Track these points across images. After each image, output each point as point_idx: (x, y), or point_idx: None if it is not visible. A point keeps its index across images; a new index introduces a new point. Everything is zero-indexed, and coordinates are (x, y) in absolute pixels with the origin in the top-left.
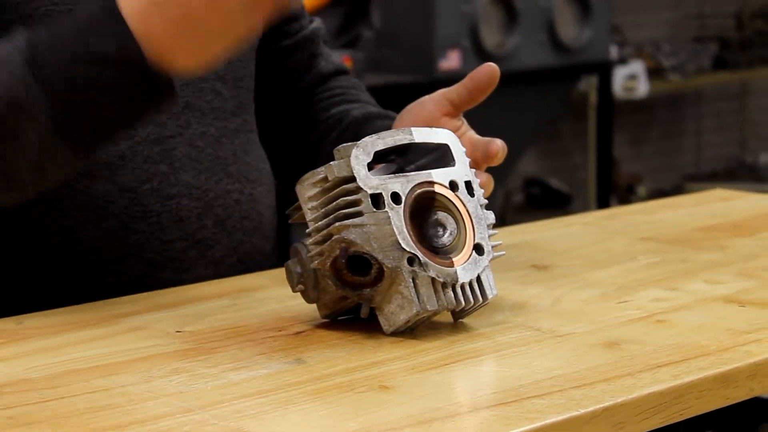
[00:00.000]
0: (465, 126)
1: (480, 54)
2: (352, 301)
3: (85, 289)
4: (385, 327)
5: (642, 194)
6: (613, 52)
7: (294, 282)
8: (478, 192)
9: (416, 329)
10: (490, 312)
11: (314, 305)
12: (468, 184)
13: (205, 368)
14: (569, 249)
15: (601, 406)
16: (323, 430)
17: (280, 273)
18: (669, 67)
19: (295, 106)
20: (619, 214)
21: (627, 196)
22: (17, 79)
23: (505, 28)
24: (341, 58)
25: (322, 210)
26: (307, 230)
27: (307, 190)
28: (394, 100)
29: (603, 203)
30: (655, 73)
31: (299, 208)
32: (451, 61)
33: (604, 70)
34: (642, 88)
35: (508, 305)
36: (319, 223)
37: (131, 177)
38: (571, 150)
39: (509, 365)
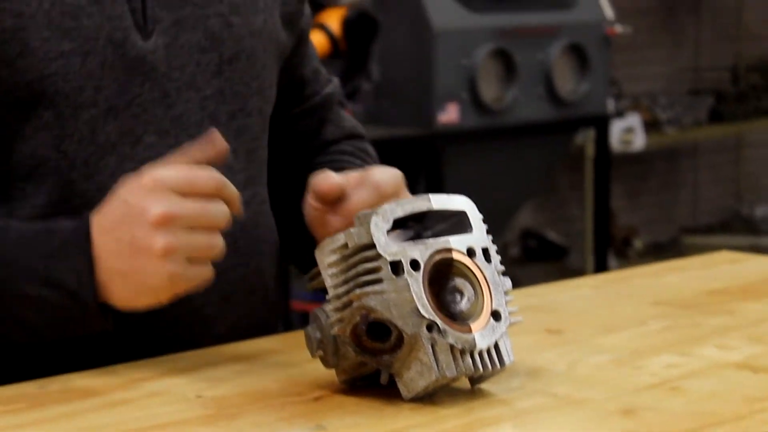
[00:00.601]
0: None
1: (479, 107)
2: (371, 367)
3: (96, 356)
4: (404, 393)
5: (638, 247)
6: (610, 105)
7: (313, 348)
8: (495, 258)
9: (434, 395)
10: (507, 377)
11: (332, 369)
12: (485, 251)
13: None
14: (580, 312)
15: None
16: None
17: (293, 336)
18: (665, 119)
19: (298, 171)
20: (627, 277)
21: (624, 249)
22: None
23: (503, 81)
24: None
25: (342, 277)
26: (327, 296)
27: (327, 256)
28: (394, 152)
29: (600, 256)
30: (651, 125)
31: (318, 274)
32: (450, 114)
33: (601, 123)
34: (639, 141)
35: (524, 370)
36: (339, 289)
37: None
38: (567, 202)
39: None
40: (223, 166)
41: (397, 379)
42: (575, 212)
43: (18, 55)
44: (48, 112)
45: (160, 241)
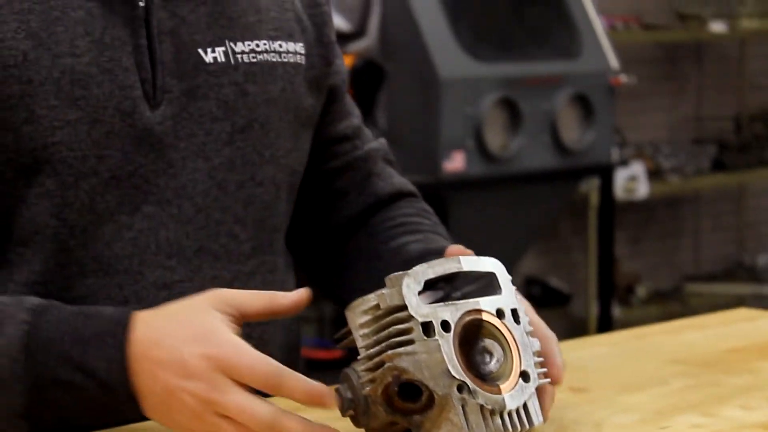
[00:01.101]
0: None
1: (484, 155)
2: (401, 427)
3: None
4: None
5: (641, 294)
6: (614, 153)
7: (344, 407)
8: (524, 319)
9: None
10: None
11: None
12: (514, 312)
13: None
14: (601, 370)
15: None
16: None
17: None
18: (668, 168)
19: (348, 230)
20: (645, 334)
21: (627, 297)
22: (8, 354)
23: (509, 130)
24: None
25: (374, 337)
26: (359, 357)
27: (359, 317)
28: None
29: (604, 303)
30: (654, 173)
31: (347, 333)
32: (455, 162)
33: (606, 172)
34: (642, 190)
35: (551, 430)
36: (371, 350)
37: None
38: (570, 248)
39: None
40: (228, 234)
41: None
42: (578, 259)
43: (24, 122)
44: (50, 180)
45: (193, 405)
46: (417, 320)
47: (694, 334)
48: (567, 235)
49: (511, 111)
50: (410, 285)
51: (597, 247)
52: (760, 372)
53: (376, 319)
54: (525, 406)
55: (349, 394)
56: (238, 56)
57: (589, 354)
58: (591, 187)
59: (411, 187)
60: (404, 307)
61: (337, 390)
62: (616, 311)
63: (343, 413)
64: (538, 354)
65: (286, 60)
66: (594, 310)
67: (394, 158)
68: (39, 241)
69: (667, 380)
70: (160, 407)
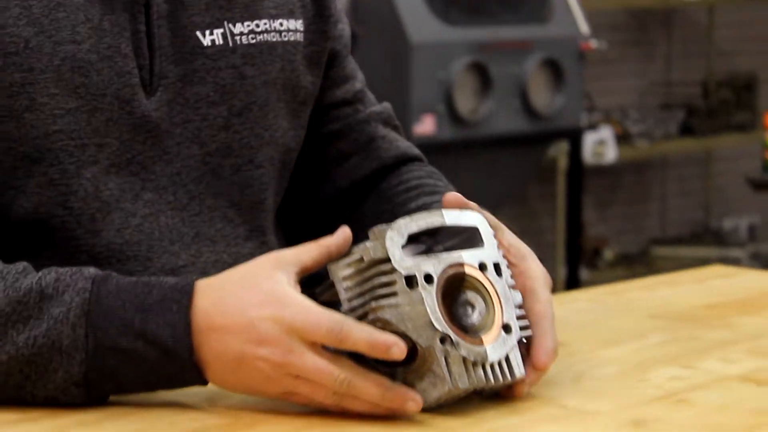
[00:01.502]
0: None
1: (455, 119)
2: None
3: None
4: None
5: (608, 258)
6: (583, 118)
7: None
8: (506, 273)
9: (445, 406)
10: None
11: None
12: (496, 266)
13: None
14: (581, 326)
15: None
16: None
17: None
18: (636, 133)
19: (353, 195)
20: (621, 291)
21: (594, 260)
22: (67, 321)
23: (479, 94)
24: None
25: (358, 290)
26: (342, 309)
27: (342, 270)
28: None
29: (572, 267)
30: (622, 138)
31: (329, 287)
32: (426, 126)
33: (575, 136)
34: (611, 154)
35: None
36: (354, 302)
37: None
38: (538, 214)
39: None
40: (222, 219)
41: None
42: (546, 224)
43: (25, 110)
44: (53, 169)
45: (267, 370)
46: (400, 273)
47: (670, 290)
48: (535, 200)
49: (482, 75)
50: (393, 238)
51: (565, 211)
52: (737, 327)
53: (360, 272)
54: (507, 358)
55: (331, 347)
56: (237, 38)
57: (566, 309)
58: (559, 151)
59: (416, 151)
60: (387, 260)
61: None
62: (584, 274)
63: None
64: (520, 307)
65: (285, 39)
66: (562, 273)
67: (398, 122)
68: (46, 232)
69: (646, 335)
70: (230, 374)
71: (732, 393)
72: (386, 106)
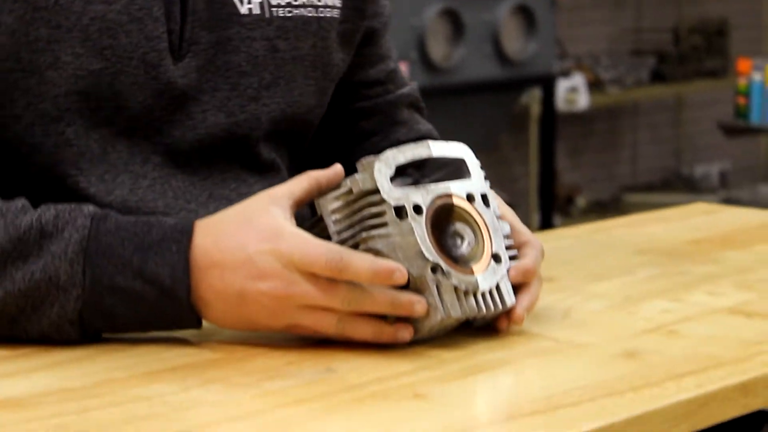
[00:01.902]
0: None
1: (427, 66)
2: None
3: None
4: None
5: (581, 205)
6: (555, 65)
7: None
8: (494, 203)
9: (437, 339)
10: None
11: None
12: (484, 197)
13: (240, 377)
14: (568, 262)
15: (633, 414)
16: None
17: None
18: (608, 79)
19: None
20: (607, 228)
21: (566, 207)
22: (65, 256)
23: (451, 40)
24: None
25: (347, 222)
26: (332, 242)
27: (330, 203)
28: None
29: (545, 214)
30: (593, 85)
31: (318, 221)
32: None
33: (547, 83)
34: (582, 101)
35: None
36: (344, 234)
37: None
38: (511, 161)
39: (535, 375)
40: (236, 179)
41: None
42: (519, 172)
43: (48, 67)
44: (70, 129)
45: (271, 306)
46: (389, 204)
47: (656, 227)
48: (507, 149)
49: (454, 22)
50: (382, 169)
51: (538, 158)
52: (723, 261)
53: (349, 204)
54: (498, 287)
55: None
56: (274, 10)
57: (554, 246)
58: (532, 99)
59: (434, 135)
60: (376, 191)
61: None
62: (557, 222)
63: None
64: (508, 237)
65: (321, 15)
66: (535, 221)
67: (423, 104)
68: (63, 189)
69: (633, 270)
70: (232, 311)
71: (721, 325)
72: (414, 87)
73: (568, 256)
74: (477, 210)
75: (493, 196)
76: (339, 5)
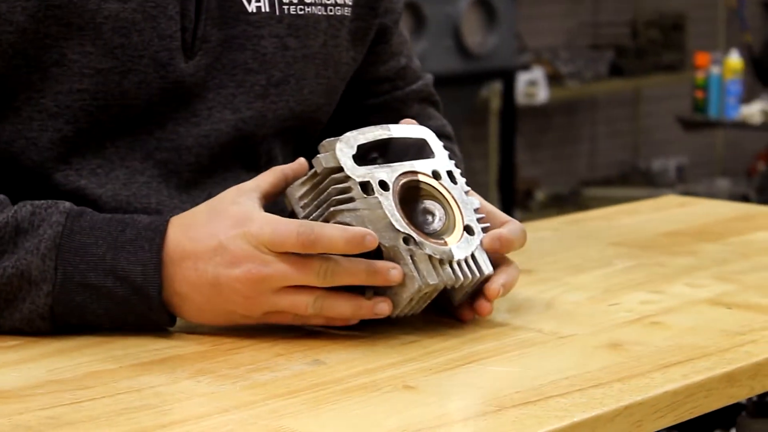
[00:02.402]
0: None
1: None
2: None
3: None
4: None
5: (540, 199)
6: (516, 58)
7: None
8: (461, 180)
9: (423, 330)
10: (491, 315)
11: None
12: (450, 174)
13: (228, 369)
14: (546, 254)
15: (622, 404)
16: (363, 428)
17: None
18: (566, 73)
19: None
20: (581, 220)
21: (526, 201)
22: (38, 252)
23: (413, 34)
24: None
25: (315, 202)
26: None
27: (297, 190)
28: None
29: (506, 208)
30: (553, 79)
31: (290, 216)
32: None
33: (508, 76)
34: (542, 94)
35: (504, 308)
36: (313, 214)
37: None
38: (470, 155)
39: (522, 366)
40: (236, 180)
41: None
42: (478, 165)
43: (53, 64)
44: (68, 126)
45: (247, 292)
46: (355, 180)
47: (630, 219)
48: (467, 142)
49: (415, 15)
50: (343, 149)
51: (498, 152)
52: (700, 253)
53: (315, 186)
54: (473, 256)
55: None
56: (285, 7)
57: (530, 238)
58: (492, 92)
59: (447, 130)
60: (340, 169)
61: None
62: (516, 216)
63: None
64: (478, 211)
65: (331, 13)
66: None
67: (438, 98)
68: (50, 182)
69: (611, 261)
70: (208, 303)
71: (703, 316)
72: (428, 82)
73: (546, 248)
74: (444, 186)
75: (459, 173)
76: (350, 3)
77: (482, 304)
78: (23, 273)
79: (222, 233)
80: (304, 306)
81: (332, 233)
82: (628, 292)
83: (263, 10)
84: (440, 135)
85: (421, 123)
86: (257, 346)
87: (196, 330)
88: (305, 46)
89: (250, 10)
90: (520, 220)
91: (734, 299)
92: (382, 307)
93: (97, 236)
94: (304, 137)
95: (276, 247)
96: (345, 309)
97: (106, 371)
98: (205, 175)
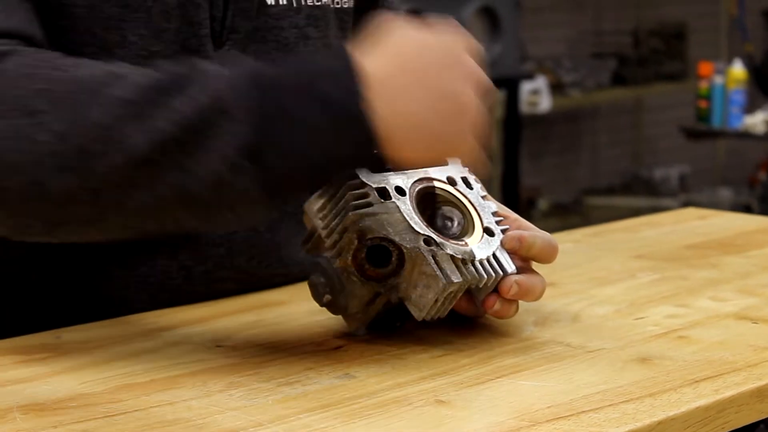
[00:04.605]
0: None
1: None
2: (379, 306)
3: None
4: (416, 313)
5: (543, 208)
6: (519, 67)
7: (320, 294)
8: (476, 185)
9: (450, 342)
10: (516, 329)
11: (341, 320)
12: (464, 179)
13: (259, 383)
14: (570, 267)
15: (655, 420)
16: None
17: (298, 289)
18: (569, 82)
19: None
20: (603, 232)
21: (528, 210)
22: (231, 82)
23: None
24: None
25: (333, 211)
26: (322, 236)
27: (315, 204)
28: None
29: None
30: (555, 88)
31: (311, 234)
32: None
33: (512, 85)
34: (545, 103)
35: (531, 321)
36: (333, 223)
37: (190, 257)
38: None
39: (553, 380)
40: None
41: (406, 303)
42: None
43: (117, 45)
44: None
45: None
46: (371, 186)
47: (651, 231)
48: None
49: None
50: None
51: (501, 161)
52: (723, 266)
53: (332, 196)
54: (495, 255)
55: (321, 279)
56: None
57: None
58: (495, 101)
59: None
60: (356, 176)
61: (310, 280)
62: None
63: (320, 302)
64: (497, 214)
65: (338, 6)
66: None
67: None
68: None
69: (635, 274)
70: (426, 92)
71: (729, 330)
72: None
73: (570, 261)
74: (460, 191)
75: (474, 179)
76: None
77: (489, 299)
78: (218, 103)
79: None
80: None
81: None
82: (654, 305)
83: (281, 2)
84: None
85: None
86: (287, 360)
87: (223, 342)
88: (325, 36)
89: (269, 2)
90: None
91: (759, 313)
92: None
93: (289, 69)
94: None
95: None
96: None
97: (138, 384)
98: None
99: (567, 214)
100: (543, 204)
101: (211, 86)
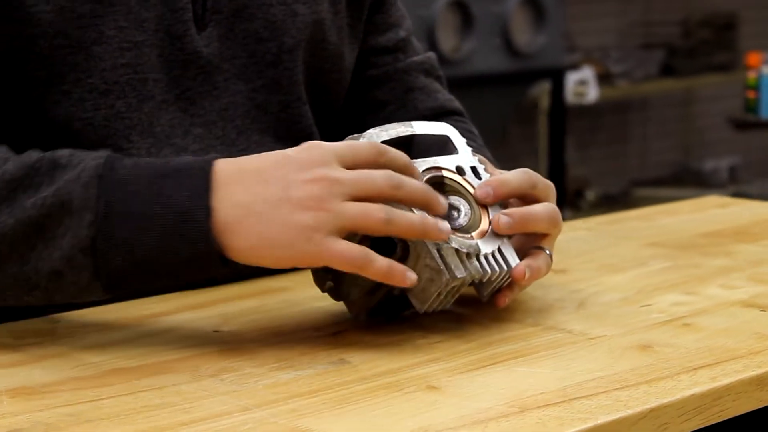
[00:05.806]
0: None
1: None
2: (380, 295)
3: None
4: (418, 306)
5: (591, 199)
6: (565, 58)
7: (322, 281)
8: (485, 176)
9: (450, 330)
10: (520, 315)
11: (343, 306)
12: (474, 169)
13: (252, 368)
14: (581, 254)
15: (648, 407)
16: (382, 429)
17: (301, 276)
18: (617, 73)
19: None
20: (619, 220)
21: (576, 201)
22: (79, 180)
23: (461, 32)
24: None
25: None
26: None
27: None
28: None
29: None
30: (603, 79)
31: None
32: None
33: (557, 75)
34: (592, 94)
35: (535, 308)
36: None
37: None
38: (519, 155)
39: (549, 367)
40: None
41: (409, 295)
42: (527, 165)
43: (93, 42)
44: (120, 102)
45: (318, 193)
46: None
47: (669, 219)
48: (516, 142)
49: (463, 13)
50: None
51: (547, 152)
52: (736, 254)
53: None
54: (500, 250)
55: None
56: None
57: (566, 237)
58: (541, 92)
59: (456, 105)
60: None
61: (313, 269)
62: (567, 215)
63: (322, 288)
64: (504, 206)
65: None
66: None
67: (441, 74)
68: None
69: (647, 262)
70: (268, 224)
71: (736, 318)
72: (430, 56)
73: (581, 248)
74: (468, 182)
75: (484, 169)
76: None
77: (500, 299)
78: (63, 203)
79: (288, 150)
80: (376, 209)
81: (398, 152)
82: (662, 293)
83: None
84: (450, 110)
85: (429, 94)
86: (281, 345)
87: (219, 328)
88: (314, 11)
89: None
90: (571, 220)
91: None
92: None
93: (140, 169)
94: (329, 101)
95: (348, 159)
96: (414, 218)
97: (130, 369)
98: (241, 147)
99: (615, 205)
100: (591, 195)
101: (61, 185)
